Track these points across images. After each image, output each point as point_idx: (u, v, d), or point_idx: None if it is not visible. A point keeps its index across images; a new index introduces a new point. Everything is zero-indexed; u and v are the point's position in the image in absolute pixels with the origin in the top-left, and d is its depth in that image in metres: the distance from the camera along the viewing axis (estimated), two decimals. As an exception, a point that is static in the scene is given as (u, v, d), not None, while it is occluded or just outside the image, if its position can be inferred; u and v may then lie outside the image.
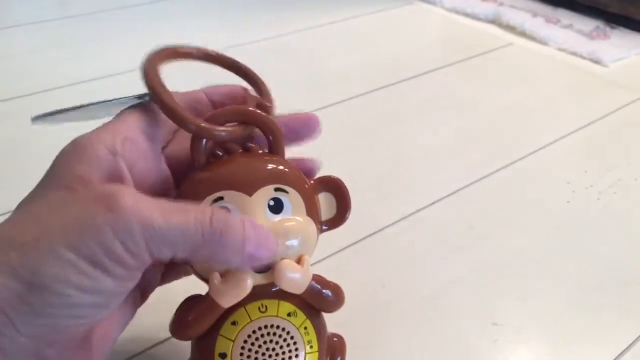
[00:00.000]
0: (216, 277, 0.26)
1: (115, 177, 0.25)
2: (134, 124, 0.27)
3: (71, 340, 0.24)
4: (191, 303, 0.28)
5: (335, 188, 0.29)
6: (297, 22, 0.87)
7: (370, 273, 0.44)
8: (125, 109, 0.28)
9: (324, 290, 0.29)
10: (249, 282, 0.26)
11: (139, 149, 0.27)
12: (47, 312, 0.22)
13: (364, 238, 0.47)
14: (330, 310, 0.30)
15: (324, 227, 0.29)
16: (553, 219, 0.51)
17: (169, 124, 0.28)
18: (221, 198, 0.27)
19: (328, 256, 0.44)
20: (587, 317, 0.41)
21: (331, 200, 0.29)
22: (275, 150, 0.29)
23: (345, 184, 0.30)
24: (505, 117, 0.66)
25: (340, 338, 0.32)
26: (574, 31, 0.88)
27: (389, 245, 0.47)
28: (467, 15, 0.91)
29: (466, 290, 0.43)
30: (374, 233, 0.48)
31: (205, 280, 0.27)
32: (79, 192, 0.24)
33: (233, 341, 0.27)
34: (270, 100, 0.31)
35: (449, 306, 0.42)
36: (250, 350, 0.27)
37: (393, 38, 0.86)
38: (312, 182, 0.29)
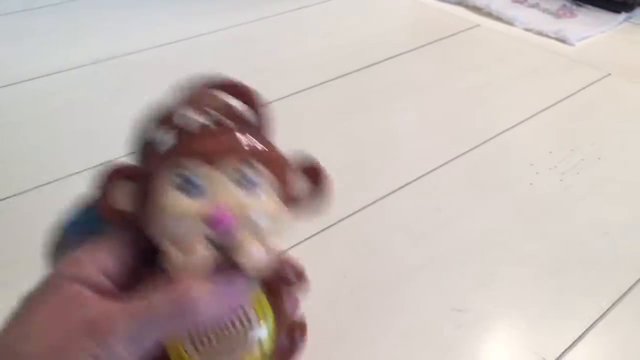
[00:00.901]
0: (173, 252, 0.25)
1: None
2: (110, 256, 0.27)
3: None
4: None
5: (314, 173, 0.28)
6: (261, 9, 0.86)
7: (334, 262, 0.44)
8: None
9: (287, 272, 0.28)
10: (207, 259, 0.25)
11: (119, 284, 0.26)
12: None
13: (326, 228, 0.46)
14: (292, 290, 0.29)
15: (296, 212, 0.28)
16: (517, 201, 0.51)
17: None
18: (186, 168, 0.25)
19: (293, 246, 0.44)
20: (550, 298, 0.42)
21: (308, 186, 0.28)
22: (260, 127, 0.28)
23: (325, 169, 0.28)
24: (471, 99, 0.66)
25: (302, 323, 0.31)
26: (540, 10, 0.88)
27: (352, 234, 0.47)
28: (433, -3, 0.90)
29: (429, 277, 0.43)
30: (337, 222, 0.47)
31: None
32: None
33: None
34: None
35: (412, 294, 0.42)
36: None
37: (359, 23, 0.85)
38: (290, 164, 0.28)
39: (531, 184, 0.53)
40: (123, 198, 0.26)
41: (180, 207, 0.25)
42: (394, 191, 0.51)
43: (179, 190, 0.25)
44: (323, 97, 0.65)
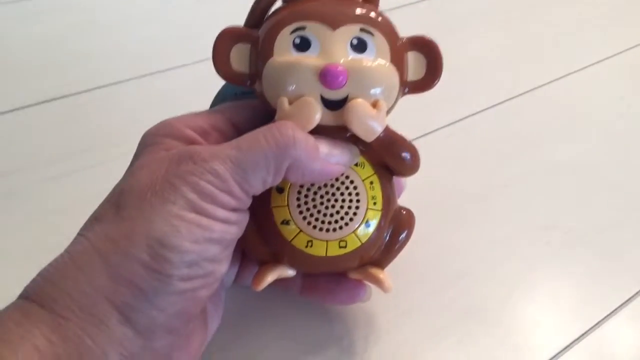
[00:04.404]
0: (285, 102, 0.25)
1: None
2: (225, 117, 0.28)
3: (193, 311, 0.24)
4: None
5: (428, 49, 0.27)
6: None
7: (422, 172, 0.43)
8: (228, 103, 0.29)
9: (399, 147, 0.27)
10: (318, 115, 0.25)
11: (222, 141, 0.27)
12: (172, 274, 0.22)
13: (414, 139, 0.45)
14: (403, 172, 0.29)
15: (406, 90, 0.28)
16: (606, 131, 0.49)
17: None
18: (302, 28, 0.25)
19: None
20: (638, 225, 0.40)
21: (421, 62, 0.27)
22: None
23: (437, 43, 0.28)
24: (559, 31, 0.64)
25: (409, 212, 0.30)
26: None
27: (436, 149, 0.46)
28: None
29: (516, 194, 0.42)
30: (422, 136, 0.47)
31: (274, 110, 0.26)
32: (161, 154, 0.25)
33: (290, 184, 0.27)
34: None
35: (499, 208, 0.41)
36: (309, 190, 0.27)
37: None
38: (404, 38, 0.27)
39: (621, 115, 0.51)
40: (239, 59, 0.27)
41: (294, 62, 0.25)
42: (478, 112, 0.50)
43: (296, 48, 0.25)
44: (406, 18, 0.62)
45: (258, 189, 0.24)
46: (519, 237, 0.39)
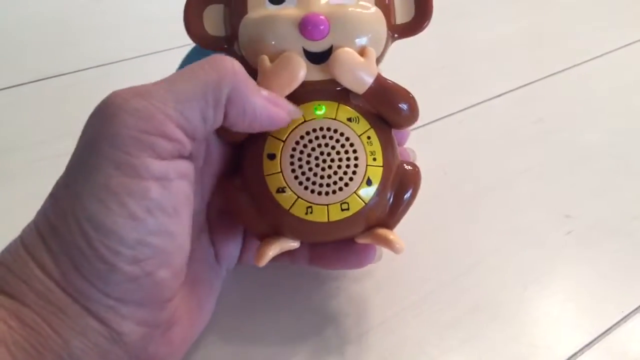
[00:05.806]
0: (265, 61, 0.24)
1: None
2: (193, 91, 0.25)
3: (159, 297, 0.21)
4: None
5: None
6: None
7: (432, 159, 0.41)
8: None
9: (393, 97, 0.25)
10: (302, 71, 0.23)
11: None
12: (114, 261, 0.19)
13: (427, 124, 0.43)
14: (400, 123, 0.26)
15: (395, 35, 0.26)
16: (633, 116, 0.46)
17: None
18: None
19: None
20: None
21: (409, 2, 0.26)
22: None
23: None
24: (586, 12, 0.61)
25: (415, 167, 0.27)
26: None
27: (453, 133, 0.43)
28: None
29: (535, 182, 0.40)
30: (437, 119, 0.44)
31: (256, 72, 0.24)
32: None
33: (284, 142, 0.25)
34: None
35: (516, 196, 0.38)
36: (302, 152, 0.25)
37: None
38: None
39: (650, 101, 0.48)
40: (213, 22, 0.26)
41: (271, 15, 0.24)
42: (497, 96, 0.47)
43: (270, 1, 0.24)
44: None
45: (198, 126, 0.21)
46: (537, 227, 0.36)
